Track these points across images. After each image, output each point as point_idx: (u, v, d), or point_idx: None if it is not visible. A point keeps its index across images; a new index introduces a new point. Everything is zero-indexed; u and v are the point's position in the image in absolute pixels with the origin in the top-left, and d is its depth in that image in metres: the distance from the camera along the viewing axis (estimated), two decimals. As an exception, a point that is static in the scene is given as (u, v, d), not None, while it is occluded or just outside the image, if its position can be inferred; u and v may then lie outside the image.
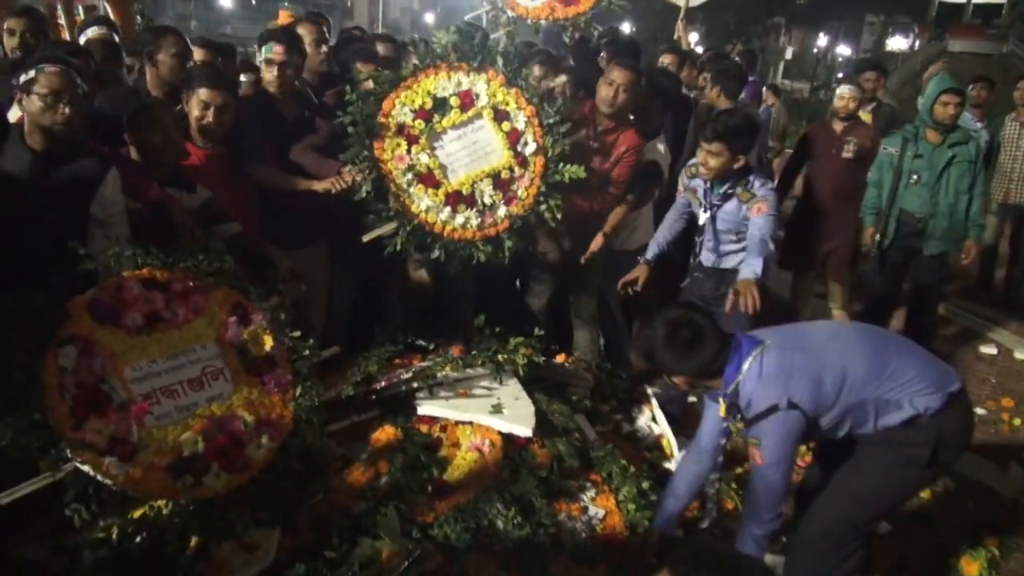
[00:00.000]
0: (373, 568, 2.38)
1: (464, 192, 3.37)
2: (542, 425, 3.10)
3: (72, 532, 2.26)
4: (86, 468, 2.21)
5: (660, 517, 2.76)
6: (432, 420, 3.06)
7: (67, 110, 2.50)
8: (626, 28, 22.76)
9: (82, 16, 5.30)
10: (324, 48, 3.74)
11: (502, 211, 3.44)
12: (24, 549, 2.50)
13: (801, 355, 2.36)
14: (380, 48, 4.31)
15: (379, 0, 35.45)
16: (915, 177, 4.52)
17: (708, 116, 3.83)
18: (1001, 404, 4.61)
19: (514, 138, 3.42)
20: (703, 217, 3.53)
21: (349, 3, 38.14)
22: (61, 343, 2.26)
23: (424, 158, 3.30)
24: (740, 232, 3.41)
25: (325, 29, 3.94)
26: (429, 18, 37.18)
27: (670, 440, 3.64)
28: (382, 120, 3.22)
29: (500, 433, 2.97)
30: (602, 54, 4.79)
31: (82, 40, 3.87)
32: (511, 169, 3.43)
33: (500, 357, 3.28)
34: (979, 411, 4.39)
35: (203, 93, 3.09)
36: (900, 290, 4.94)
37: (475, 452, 2.88)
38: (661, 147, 4.10)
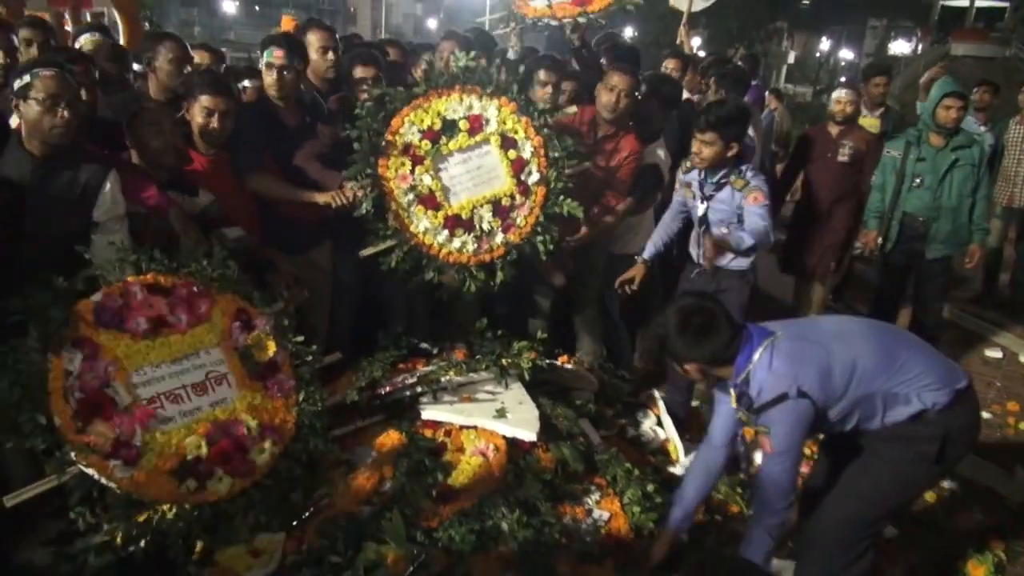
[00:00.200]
0: (378, 573, 2.38)
1: (463, 216, 3.37)
2: (546, 429, 3.09)
3: (77, 536, 2.27)
4: (91, 472, 2.22)
5: (674, 515, 2.75)
6: (436, 425, 3.06)
7: (66, 113, 2.49)
8: (628, 32, 22.81)
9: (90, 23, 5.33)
10: (331, 55, 3.71)
11: (499, 238, 3.45)
12: (29, 553, 2.51)
13: (812, 346, 2.39)
14: (390, 52, 4.32)
15: (381, 6, 35.55)
16: (918, 180, 4.51)
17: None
18: (1007, 408, 4.59)
19: (519, 166, 3.44)
20: (700, 208, 3.55)
21: (352, 9, 38.27)
22: (66, 347, 2.26)
23: (427, 179, 3.30)
24: (733, 223, 3.43)
25: (334, 36, 3.90)
26: (432, 24, 37.31)
27: (676, 445, 3.64)
28: (389, 138, 3.23)
29: (504, 437, 2.97)
30: (602, 60, 4.80)
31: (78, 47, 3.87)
32: (512, 197, 3.45)
33: (504, 361, 3.28)
34: (985, 415, 4.36)
35: (205, 99, 3.09)
36: (904, 293, 4.93)
37: (479, 457, 2.88)
38: (661, 152, 4.10)
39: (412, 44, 5.31)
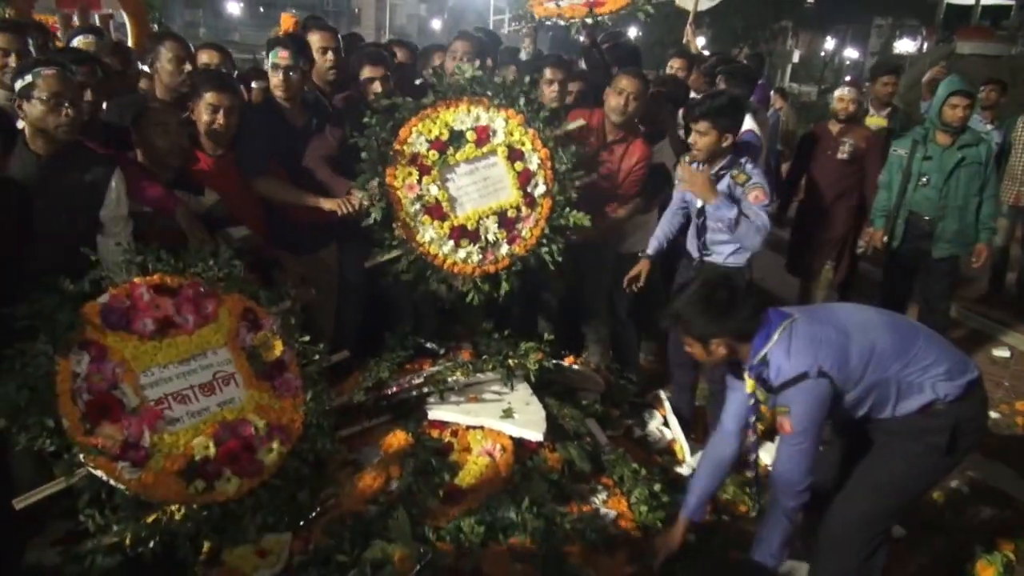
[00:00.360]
0: (385, 572, 2.38)
1: (469, 227, 3.38)
2: (553, 430, 3.09)
3: (86, 537, 2.27)
4: (99, 473, 2.22)
5: (688, 502, 2.75)
6: (443, 425, 3.07)
7: (70, 111, 2.49)
8: (633, 32, 22.75)
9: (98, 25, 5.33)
10: (331, 55, 3.68)
11: (504, 249, 3.45)
12: (38, 554, 2.51)
13: (830, 328, 2.40)
14: (398, 53, 4.31)
15: (386, 7, 35.59)
16: (924, 179, 4.50)
17: None
18: (1015, 407, 4.57)
19: (525, 178, 3.45)
20: (699, 200, 3.54)
21: (356, 10, 38.29)
22: (73, 349, 2.27)
23: (434, 189, 3.31)
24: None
25: (336, 36, 3.87)
26: (436, 24, 37.31)
27: (683, 445, 3.63)
28: (397, 148, 3.24)
29: (511, 438, 2.97)
30: (614, 68, 4.79)
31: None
32: (518, 208, 3.46)
33: (511, 362, 3.28)
34: (993, 414, 4.35)
35: (210, 96, 3.10)
36: (911, 292, 4.91)
37: (486, 457, 2.88)
38: (669, 150, 4.09)
39: (417, 45, 5.31)
